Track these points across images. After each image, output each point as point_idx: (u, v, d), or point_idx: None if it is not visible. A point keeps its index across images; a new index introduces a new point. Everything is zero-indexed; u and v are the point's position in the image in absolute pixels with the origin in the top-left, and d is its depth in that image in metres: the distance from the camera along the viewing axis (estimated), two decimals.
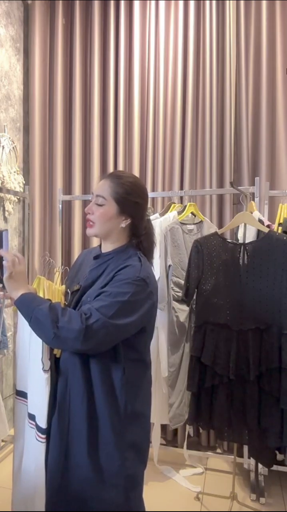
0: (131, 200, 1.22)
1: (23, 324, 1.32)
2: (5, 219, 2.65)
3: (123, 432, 1.16)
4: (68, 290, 1.28)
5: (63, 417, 1.17)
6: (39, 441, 1.19)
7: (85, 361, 1.15)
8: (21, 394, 1.34)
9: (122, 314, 1.08)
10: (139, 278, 1.13)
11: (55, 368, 1.22)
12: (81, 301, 1.20)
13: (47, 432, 1.18)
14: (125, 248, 1.25)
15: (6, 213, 2.63)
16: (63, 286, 1.37)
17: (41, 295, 1.25)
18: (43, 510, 1.17)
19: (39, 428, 1.20)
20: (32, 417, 1.24)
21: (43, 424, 1.19)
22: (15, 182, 2.65)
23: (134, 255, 1.22)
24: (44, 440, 1.19)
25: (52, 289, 1.29)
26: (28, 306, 1.09)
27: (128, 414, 1.17)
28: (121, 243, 1.26)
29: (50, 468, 1.18)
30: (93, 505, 1.15)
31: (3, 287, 1.15)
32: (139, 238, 1.27)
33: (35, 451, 1.21)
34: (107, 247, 1.27)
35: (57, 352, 1.22)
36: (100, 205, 1.21)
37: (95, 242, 2.73)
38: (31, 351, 1.25)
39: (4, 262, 1.13)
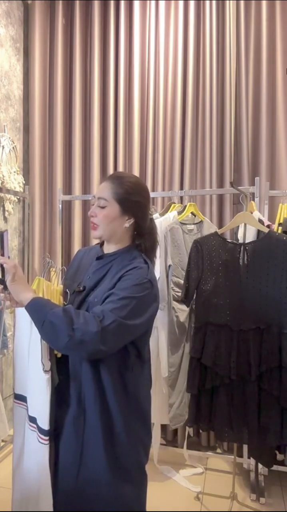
0: (132, 199, 1.23)
1: (21, 327, 1.32)
2: (5, 219, 2.65)
3: (133, 427, 1.19)
4: (67, 290, 1.28)
5: (78, 418, 1.18)
6: (41, 443, 1.19)
7: (95, 361, 1.16)
8: (20, 398, 1.33)
9: (134, 315, 1.10)
10: (147, 280, 1.16)
11: (59, 369, 1.22)
12: (86, 302, 1.20)
13: (49, 433, 1.18)
14: (129, 249, 1.26)
15: (6, 213, 2.63)
16: (61, 286, 1.36)
17: (40, 294, 1.25)
18: (50, 509, 1.17)
19: (41, 430, 1.19)
20: (33, 420, 1.23)
21: (45, 425, 1.18)
22: (15, 182, 2.65)
23: (138, 256, 1.23)
24: (47, 442, 1.18)
25: (51, 290, 1.29)
26: (41, 310, 1.07)
27: (136, 409, 1.21)
28: (125, 244, 1.27)
29: (63, 470, 1.18)
30: (110, 502, 1.16)
31: (4, 288, 1.15)
32: (143, 238, 1.28)
33: (37, 453, 1.20)
34: (110, 248, 1.28)
35: (57, 352, 1.22)
36: (103, 207, 1.22)
37: (95, 242, 2.72)
38: (31, 353, 1.24)
39: (4, 265, 1.12)
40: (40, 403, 1.19)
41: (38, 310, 1.08)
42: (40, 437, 1.19)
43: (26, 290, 1.12)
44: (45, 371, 1.17)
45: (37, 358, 1.19)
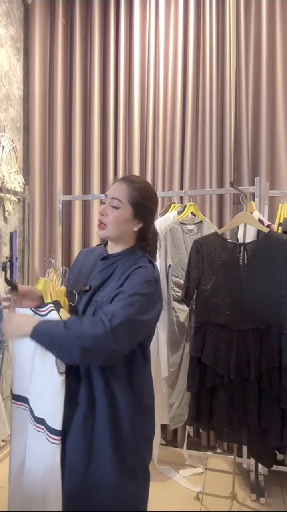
0: (146, 205, 1.25)
1: None
2: (5, 219, 2.65)
3: (139, 424, 1.20)
4: (74, 291, 1.28)
5: (89, 418, 1.17)
6: (53, 443, 1.17)
7: None
8: (19, 399, 1.31)
9: (143, 311, 1.11)
10: (153, 278, 1.18)
11: (68, 368, 1.20)
12: (94, 302, 1.21)
13: (62, 433, 1.17)
14: (133, 250, 1.27)
15: (6, 213, 2.63)
16: (63, 287, 1.37)
17: (48, 296, 1.26)
18: (59, 509, 1.17)
19: (52, 431, 1.17)
20: (40, 421, 1.21)
21: (57, 426, 1.16)
22: (15, 182, 2.65)
23: (143, 256, 1.25)
24: (58, 442, 1.16)
25: (56, 290, 1.29)
26: (45, 337, 1.09)
27: (142, 407, 1.22)
28: (129, 245, 1.28)
29: (71, 469, 1.17)
30: (117, 501, 1.16)
31: (12, 289, 1.15)
32: (147, 242, 1.30)
33: (47, 454, 1.18)
34: (115, 249, 1.29)
35: None
36: (116, 208, 1.22)
37: (95, 242, 2.73)
38: (38, 354, 1.23)
39: (12, 263, 1.13)
40: (51, 404, 1.18)
41: (42, 338, 1.10)
42: (51, 438, 1.17)
43: (20, 328, 1.12)
44: (60, 373, 1.16)
45: (50, 360, 1.17)
